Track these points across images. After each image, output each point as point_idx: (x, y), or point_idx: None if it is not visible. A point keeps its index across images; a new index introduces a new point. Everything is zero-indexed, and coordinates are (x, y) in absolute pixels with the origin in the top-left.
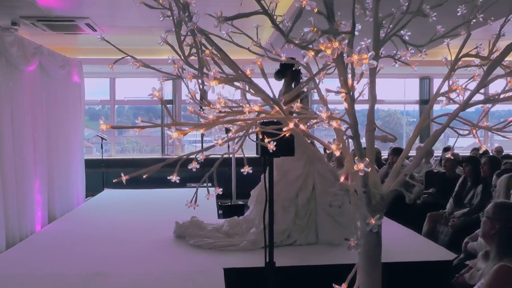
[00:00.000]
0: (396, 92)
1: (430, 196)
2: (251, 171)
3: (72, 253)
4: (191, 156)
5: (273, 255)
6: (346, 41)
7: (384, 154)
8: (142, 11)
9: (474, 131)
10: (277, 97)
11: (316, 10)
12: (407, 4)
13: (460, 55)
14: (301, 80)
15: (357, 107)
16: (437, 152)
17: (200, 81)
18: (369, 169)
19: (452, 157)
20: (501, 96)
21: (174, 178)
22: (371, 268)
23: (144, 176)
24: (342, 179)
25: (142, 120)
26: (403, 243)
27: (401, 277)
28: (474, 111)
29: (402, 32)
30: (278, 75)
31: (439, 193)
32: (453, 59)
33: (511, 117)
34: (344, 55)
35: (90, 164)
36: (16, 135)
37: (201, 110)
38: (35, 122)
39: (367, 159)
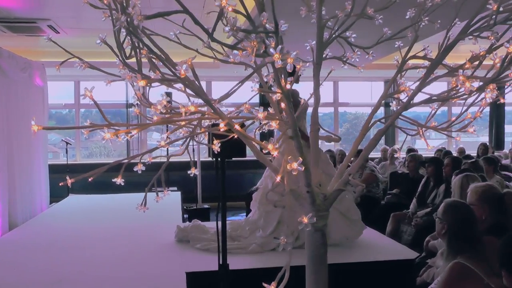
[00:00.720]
0: (363, 95)
1: (394, 196)
2: (197, 173)
3: (33, 260)
4: (133, 160)
5: (226, 258)
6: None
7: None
8: (106, 13)
9: (421, 131)
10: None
11: (231, 9)
12: (351, 6)
13: (408, 56)
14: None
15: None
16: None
17: (135, 82)
18: (303, 169)
19: (399, 156)
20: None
21: (119, 181)
22: (317, 268)
23: (89, 179)
24: (278, 178)
25: (91, 123)
26: (367, 243)
27: (366, 276)
28: (440, 113)
29: (347, 33)
30: None
31: (403, 193)
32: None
33: (454, 117)
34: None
35: (55, 170)
36: None
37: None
38: None
39: (300, 158)
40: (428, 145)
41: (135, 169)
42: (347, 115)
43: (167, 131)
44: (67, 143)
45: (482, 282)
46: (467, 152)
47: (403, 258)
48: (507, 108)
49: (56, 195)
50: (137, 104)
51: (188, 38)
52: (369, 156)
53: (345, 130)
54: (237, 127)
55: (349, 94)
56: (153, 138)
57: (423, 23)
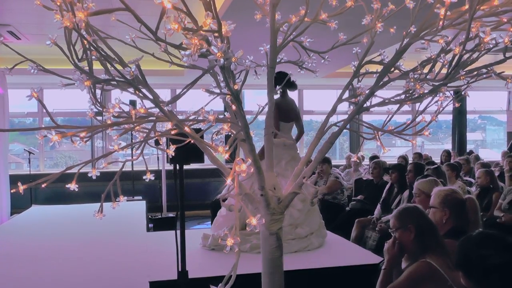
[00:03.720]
0: (329, 103)
1: (358, 203)
2: (153, 178)
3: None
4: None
5: (186, 265)
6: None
7: None
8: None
9: (377, 135)
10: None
11: (169, 6)
12: (304, 11)
13: (364, 61)
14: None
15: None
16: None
17: (91, 85)
18: (252, 171)
19: (357, 160)
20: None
21: (73, 186)
22: (272, 271)
23: (43, 185)
24: (228, 181)
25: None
26: (332, 249)
27: (331, 282)
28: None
29: (302, 38)
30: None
31: (368, 199)
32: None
33: (409, 121)
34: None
35: (17, 180)
36: None
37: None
38: None
39: (248, 159)
40: (384, 148)
41: (89, 175)
42: (313, 123)
43: (131, 138)
44: (30, 152)
45: (446, 284)
46: (433, 159)
47: (368, 263)
48: (469, 116)
49: (18, 206)
50: (91, 109)
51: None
52: (334, 163)
53: (310, 138)
54: (187, 128)
55: (314, 102)
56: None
57: (379, 30)
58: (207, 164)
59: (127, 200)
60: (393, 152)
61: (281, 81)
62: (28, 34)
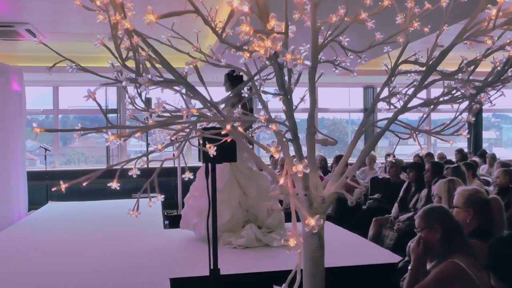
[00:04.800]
0: (341, 101)
1: (375, 201)
2: (192, 177)
3: (12, 269)
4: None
5: (217, 262)
6: (281, 42)
7: (330, 161)
8: (84, 17)
9: (414, 135)
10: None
11: (248, 10)
12: (345, 11)
13: (400, 61)
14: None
15: (303, 114)
16: (381, 159)
17: (137, 84)
18: (308, 171)
19: (393, 160)
20: (440, 99)
21: (114, 185)
22: (314, 270)
23: (84, 184)
24: (281, 181)
25: (82, 127)
26: (349, 248)
27: (349, 280)
28: (416, 119)
29: (340, 38)
30: (226, 85)
31: (384, 198)
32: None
33: (448, 121)
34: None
35: (33, 177)
36: None
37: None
38: None
39: (305, 160)
40: (422, 148)
41: (130, 173)
42: (325, 121)
43: (147, 137)
44: (45, 149)
45: (473, 284)
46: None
47: (386, 262)
48: (484, 114)
49: (35, 202)
50: (129, 108)
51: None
52: (349, 161)
53: (322, 136)
54: (240, 129)
55: (327, 100)
56: (131, 144)
57: (412, 29)
58: None
59: (141, 197)
60: (405, 150)
61: (238, 81)
62: (45, 32)
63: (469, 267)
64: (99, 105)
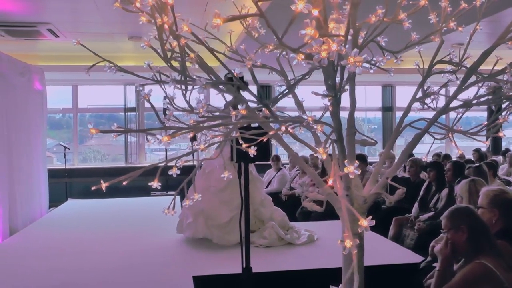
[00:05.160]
0: (358, 100)
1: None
2: (231, 177)
3: (35, 266)
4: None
5: (250, 261)
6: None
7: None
8: (105, 17)
9: (450, 135)
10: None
11: (316, 13)
12: (383, 10)
13: (434, 61)
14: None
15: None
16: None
17: (183, 86)
18: (359, 172)
19: (415, 160)
20: (475, 101)
21: (155, 184)
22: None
23: (124, 183)
24: (330, 182)
25: (118, 126)
26: (370, 247)
27: (370, 280)
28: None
29: (378, 38)
30: (227, 86)
31: (404, 197)
32: (426, 66)
33: (485, 122)
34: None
35: (52, 174)
36: None
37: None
38: None
39: (356, 161)
40: (459, 149)
41: (170, 173)
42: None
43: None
44: (65, 147)
45: (502, 285)
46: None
47: (408, 262)
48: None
49: (55, 199)
50: (167, 107)
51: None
52: (369, 160)
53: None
54: (290, 130)
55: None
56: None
57: (445, 28)
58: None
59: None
60: (420, 148)
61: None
62: (65, 32)
63: (497, 268)
64: (152, 106)
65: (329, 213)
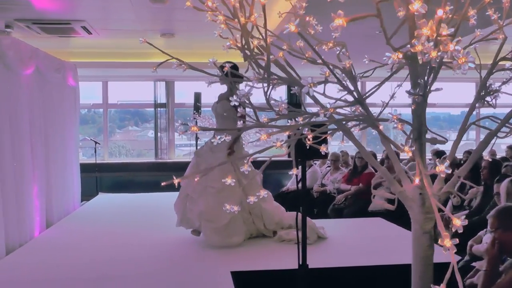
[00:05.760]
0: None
1: None
2: (299, 174)
3: (73, 257)
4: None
5: (306, 258)
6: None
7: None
8: (139, 15)
9: None
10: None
11: (441, 13)
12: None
13: (498, 58)
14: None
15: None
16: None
17: (264, 84)
18: (450, 171)
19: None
20: None
21: (229, 181)
22: (424, 269)
23: (196, 179)
24: (417, 181)
25: (183, 123)
26: (404, 245)
27: (406, 279)
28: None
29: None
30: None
31: None
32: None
33: None
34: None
35: (84, 168)
36: (15, 140)
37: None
38: (33, 127)
39: (447, 160)
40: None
41: (242, 169)
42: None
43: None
44: (96, 142)
45: None
46: (484, 154)
47: (444, 261)
48: None
49: (86, 193)
50: (238, 104)
51: None
52: (400, 157)
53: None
54: (381, 127)
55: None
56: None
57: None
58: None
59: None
60: (447, 146)
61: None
62: (98, 29)
63: None
64: (251, 104)
65: (361, 211)
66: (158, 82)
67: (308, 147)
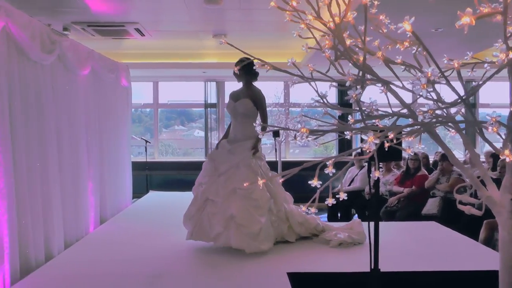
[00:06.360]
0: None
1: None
2: (381, 177)
3: (125, 253)
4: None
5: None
6: None
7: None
8: (193, 16)
9: None
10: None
11: None
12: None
13: None
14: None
15: None
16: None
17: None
18: None
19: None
20: None
21: (315, 182)
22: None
23: (280, 180)
24: (468, 181)
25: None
26: (459, 251)
27: (460, 287)
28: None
29: None
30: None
31: None
32: None
33: None
34: None
35: (135, 167)
36: (73, 138)
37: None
38: (89, 126)
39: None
40: None
41: (326, 171)
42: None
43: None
44: (146, 141)
45: None
46: None
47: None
48: None
49: (137, 191)
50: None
51: None
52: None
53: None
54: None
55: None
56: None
57: None
58: (316, 156)
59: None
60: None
61: (250, 69)
62: (151, 31)
63: None
64: (358, 103)
65: (414, 214)
66: (208, 82)
67: (387, 149)
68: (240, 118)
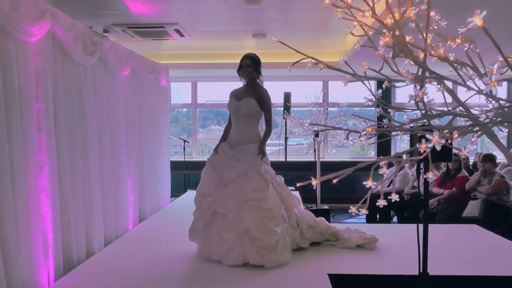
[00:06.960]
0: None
1: None
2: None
3: (164, 251)
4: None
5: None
6: None
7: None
8: (233, 16)
9: None
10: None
11: None
12: None
13: None
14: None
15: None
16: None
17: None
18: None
19: None
20: None
21: (370, 183)
22: None
23: (334, 181)
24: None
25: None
26: (501, 256)
27: None
28: None
29: None
30: (249, 70)
31: None
32: None
33: None
34: None
35: (173, 166)
36: (113, 138)
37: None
38: (128, 125)
39: None
40: None
41: (380, 172)
42: None
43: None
44: (185, 141)
45: None
46: None
47: None
48: None
49: (175, 190)
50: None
51: None
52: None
53: None
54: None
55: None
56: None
57: None
58: (353, 157)
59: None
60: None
61: (260, 65)
62: (190, 31)
63: None
64: (459, 101)
65: (454, 217)
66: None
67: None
68: (243, 119)
